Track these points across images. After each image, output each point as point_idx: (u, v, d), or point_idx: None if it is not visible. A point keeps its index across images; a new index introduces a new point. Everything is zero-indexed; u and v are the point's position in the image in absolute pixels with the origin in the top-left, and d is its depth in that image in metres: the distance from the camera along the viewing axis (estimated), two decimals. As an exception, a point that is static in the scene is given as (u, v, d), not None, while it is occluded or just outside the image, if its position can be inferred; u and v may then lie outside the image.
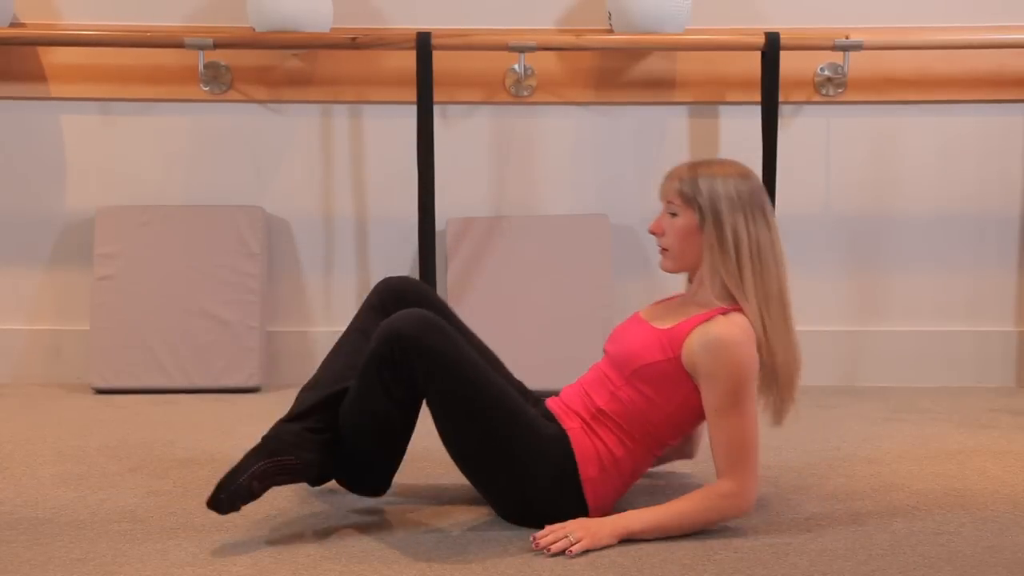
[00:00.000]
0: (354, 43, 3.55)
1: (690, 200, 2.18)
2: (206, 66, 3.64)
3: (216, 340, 3.58)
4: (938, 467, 2.67)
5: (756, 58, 3.56)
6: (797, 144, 3.71)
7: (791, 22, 3.64)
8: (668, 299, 2.38)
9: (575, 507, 2.17)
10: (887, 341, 3.76)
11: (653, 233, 2.24)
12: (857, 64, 3.64)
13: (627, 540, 2.10)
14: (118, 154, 3.73)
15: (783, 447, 2.85)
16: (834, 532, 2.19)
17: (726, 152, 3.74)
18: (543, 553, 2.04)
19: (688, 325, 2.15)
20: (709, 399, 2.13)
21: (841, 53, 3.60)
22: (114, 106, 3.71)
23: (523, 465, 2.13)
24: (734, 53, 3.63)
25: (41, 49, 3.66)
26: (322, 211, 3.76)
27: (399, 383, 2.09)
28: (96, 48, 3.63)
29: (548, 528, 2.09)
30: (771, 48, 3.51)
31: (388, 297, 2.38)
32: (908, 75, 3.69)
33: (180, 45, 3.52)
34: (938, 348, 3.74)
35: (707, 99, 3.72)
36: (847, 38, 3.53)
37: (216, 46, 3.53)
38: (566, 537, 2.06)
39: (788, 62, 3.56)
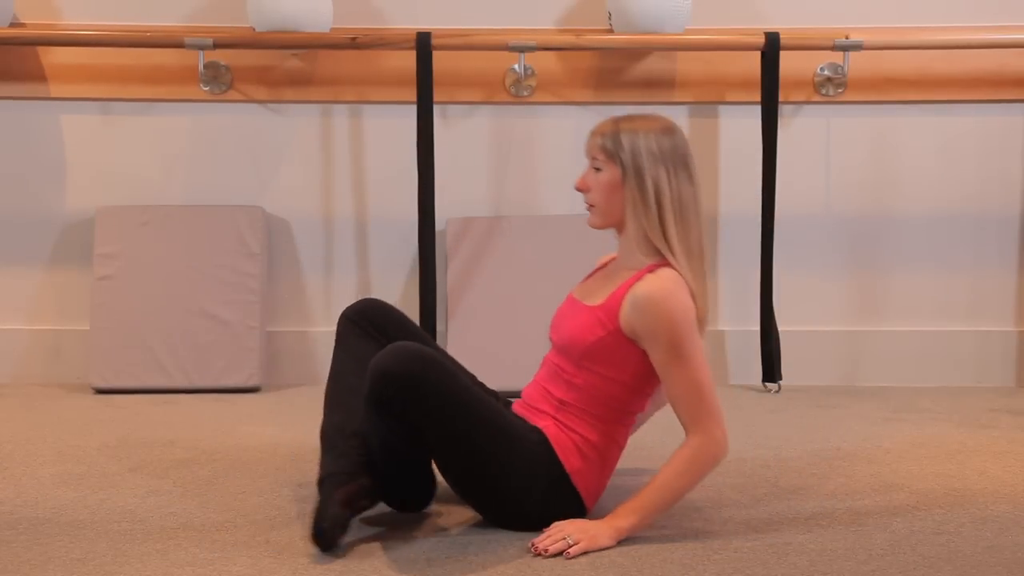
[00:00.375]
0: (354, 43, 3.55)
1: (612, 155, 2.17)
2: (206, 66, 3.64)
3: (216, 340, 3.58)
4: (938, 467, 2.67)
5: (756, 58, 3.56)
6: (797, 144, 3.71)
7: (791, 22, 3.64)
8: (600, 267, 2.37)
9: (570, 503, 2.18)
10: (887, 341, 3.76)
11: (579, 190, 2.23)
12: (857, 64, 3.64)
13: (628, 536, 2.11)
14: (118, 154, 3.73)
15: (783, 447, 2.85)
16: (834, 532, 2.19)
17: (727, 153, 3.74)
18: (542, 555, 2.03)
19: (620, 292, 2.16)
20: (656, 358, 2.13)
21: (841, 53, 3.60)
22: (114, 106, 3.71)
23: (517, 477, 2.13)
24: (734, 53, 3.63)
25: (41, 49, 3.66)
26: (322, 211, 3.76)
27: (399, 420, 2.09)
28: (96, 48, 3.63)
29: (547, 530, 2.09)
30: (771, 48, 3.51)
31: (368, 319, 2.41)
32: (908, 75, 3.69)
33: (180, 45, 3.52)
34: (938, 348, 3.74)
35: (707, 99, 3.72)
36: (847, 38, 3.53)
37: (216, 46, 3.53)
38: (564, 539, 2.06)
39: (788, 62, 3.56)
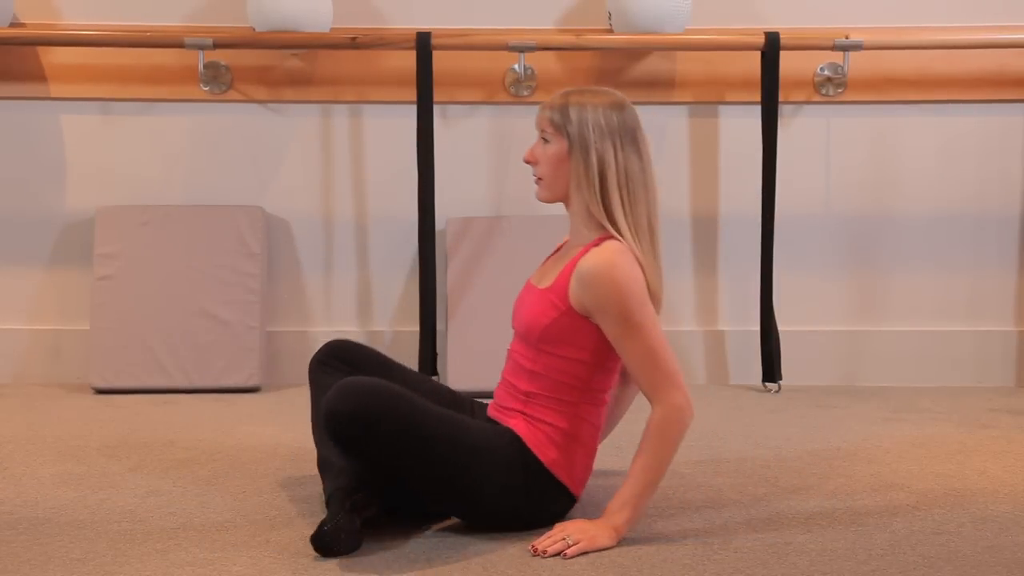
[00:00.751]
0: (354, 43, 3.55)
1: (560, 127, 2.16)
2: (206, 66, 3.64)
3: (216, 340, 3.58)
4: (938, 467, 2.67)
5: (756, 58, 3.56)
6: (797, 144, 3.71)
7: (791, 22, 3.64)
8: (554, 251, 2.37)
9: (557, 494, 2.17)
10: (887, 341, 3.76)
11: (527, 162, 2.22)
12: (857, 64, 3.64)
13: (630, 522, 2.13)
14: (118, 154, 3.73)
15: (783, 447, 2.86)
16: (834, 531, 2.19)
17: (727, 153, 3.74)
18: (541, 556, 2.03)
19: (567, 271, 2.15)
20: (608, 330, 2.11)
21: (841, 53, 3.60)
22: (114, 106, 3.71)
23: (493, 484, 2.12)
24: (734, 53, 3.64)
25: (41, 49, 3.66)
26: (322, 211, 3.76)
27: (360, 456, 2.07)
28: (96, 48, 3.63)
29: (548, 532, 2.09)
30: (771, 48, 3.51)
31: (335, 356, 2.40)
32: (908, 75, 3.69)
33: (180, 45, 3.53)
34: (938, 348, 3.74)
35: (707, 99, 3.72)
36: (847, 38, 3.53)
37: (216, 46, 3.53)
38: (563, 540, 2.06)
39: (788, 62, 3.56)
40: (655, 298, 2.15)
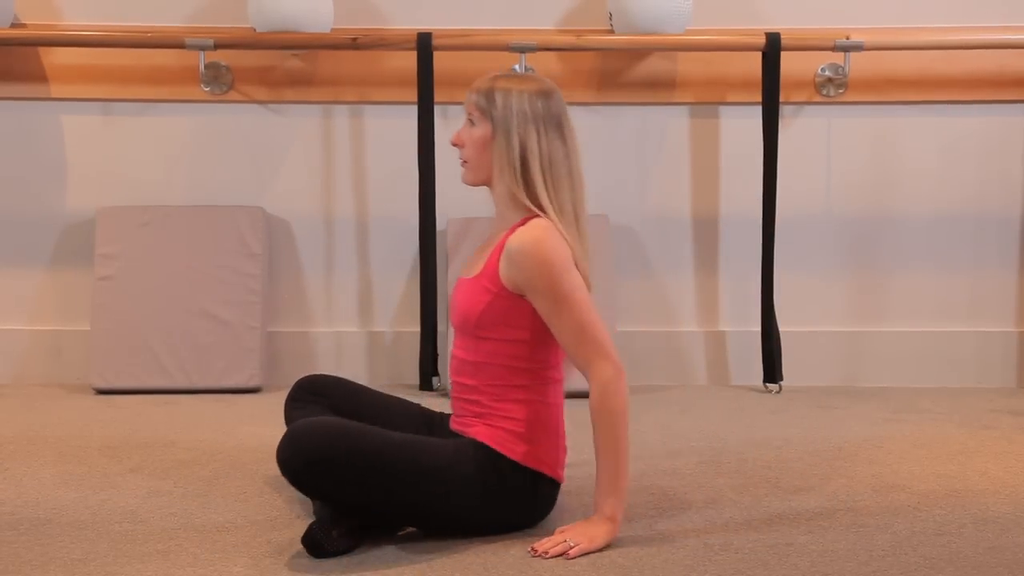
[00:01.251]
0: (355, 43, 3.55)
1: (485, 111, 2.18)
2: (207, 66, 3.64)
3: (217, 340, 3.58)
4: (939, 467, 2.67)
5: (757, 59, 3.56)
6: (798, 145, 3.71)
7: (792, 23, 3.64)
8: (482, 245, 2.36)
9: (539, 486, 2.17)
10: (888, 342, 3.76)
11: (454, 144, 2.24)
12: (858, 64, 3.64)
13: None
14: (119, 154, 3.73)
15: (784, 447, 2.85)
16: (835, 532, 2.19)
17: (727, 154, 3.74)
18: (542, 557, 2.03)
19: (495, 253, 2.17)
20: (539, 306, 2.11)
21: (842, 53, 3.60)
22: (115, 106, 3.71)
23: (471, 497, 2.10)
24: (735, 54, 3.63)
25: (42, 50, 3.66)
26: (323, 211, 3.76)
27: (326, 498, 2.06)
28: (97, 49, 3.63)
29: (549, 537, 2.09)
30: (772, 49, 3.51)
31: (306, 391, 2.43)
32: (909, 75, 3.69)
33: (181, 46, 3.53)
34: (939, 349, 3.74)
35: (708, 100, 3.72)
36: (848, 39, 3.53)
37: (217, 46, 3.53)
38: (564, 542, 2.06)
39: (789, 63, 3.56)
40: (583, 278, 2.16)
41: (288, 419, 2.39)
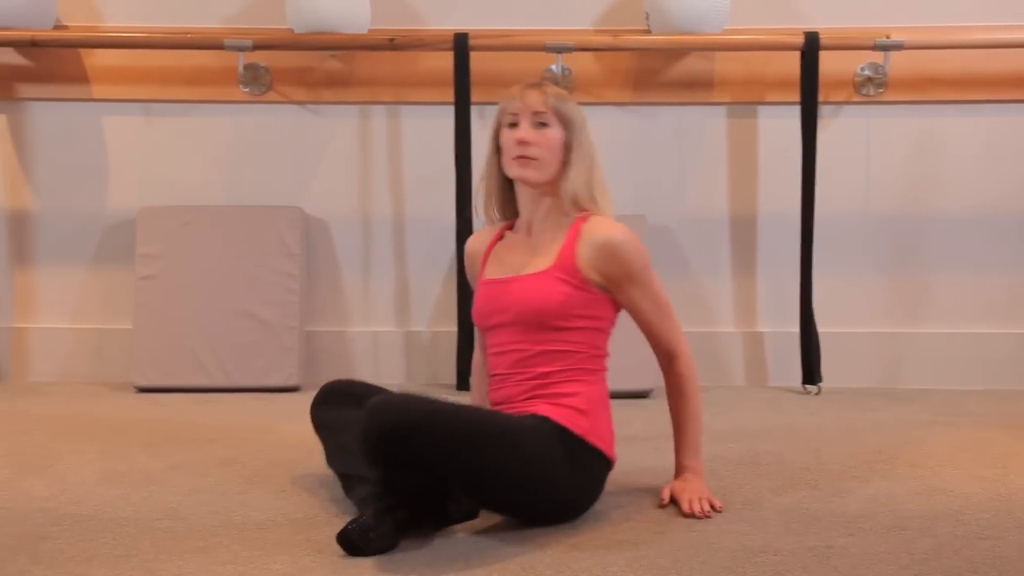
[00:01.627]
0: (392, 44, 3.57)
1: (561, 114, 2.24)
2: (246, 67, 3.67)
3: (256, 340, 3.60)
4: (982, 471, 2.64)
5: (795, 58, 3.54)
6: (837, 144, 3.68)
7: (831, 22, 3.62)
8: (496, 246, 2.35)
9: (598, 463, 2.22)
10: (929, 343, 3.72)
11: (524, 142, 2.22)
12: (898, 64, 3.61)
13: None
14: (159, 155, 3.76)
15: (823, 449, 2.83)
16: (876, 535, 2.17)
17: (765, 154, 3.72)
18: (701, 516, 2.22)
19: (569, 248, 2.21)
20: (631, 294, 2.23)
21: (882, 53, 3.57)
22: (155, 107, 3.75)
23: (545, 464, 2.12)
24: (773, 53, 3.62)
25: (84, 51, 3.70)
26: (360, 212, 3.77)
27: (408, 469, 2.05)
28: (138, 50, 3.67)
29: (686, 499, 2.24)
30: (810, 48, 3.49)
31: (331, 396, 2.44)
32: (950, 74, 3.65)
33: (220, 47, 3.56)
34: (981, 350, 3.70)
35: (746, 99, 3.71)
36: (888, 37, 3.50)
37: (256, 47, 3.56)
38: (700, 499, 2.25)
39: (828, 62, 3.53)
40: None
41: (319, 421, 2.41)
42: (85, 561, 2.00)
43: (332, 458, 2.37)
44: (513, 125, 2.25)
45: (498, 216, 2.35)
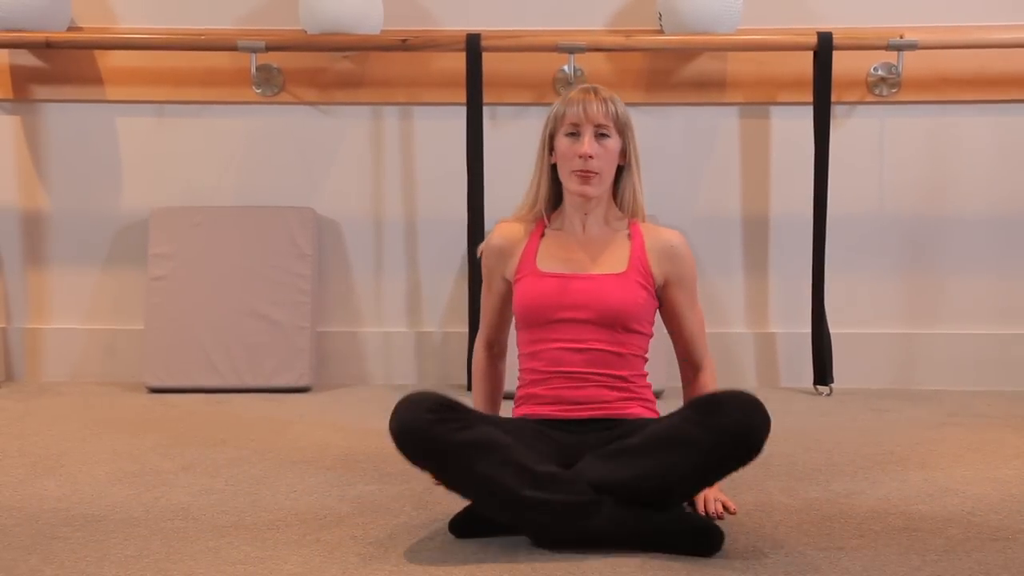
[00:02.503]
0: (404, 45, 3.57)
1: (621, 123, 2.25)
2: (258, 68, 3.68)
3: (267, 340, 3.61)
4: (994, 472, 2.63)
5: (808, 58, 3.53)
6: (850, 145, 3.67)
7: (844, 22, 3.61)
8: (543, 240, 2.28)
9: None
10: (942, 344, 3.71)
11: (589, 156, 2.19)
12: (912, 63, 3.59)
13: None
14: (172, 155, 3.78)
15: (835, 450, 2.82)
16: (887, 537, 2.16)
17: (778, 154, 3.71)
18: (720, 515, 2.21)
19: (639, 253, 2.25)
20: (682, 299, 2.28)
21: (895, 53, 3.56)
22: (168, 108, 3.76)
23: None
24: (786, 53, 3.60)
25: (98, 52, 3.71)
26: (372, 212, 3.78)
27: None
28: (151, 51, 3.68)
29: (702, 502, 2.23)
30: (823, 48, 3.48)
31: (444, 407, 2.09)
32: (965, 74, 3.64)
33: (233, 48, 3.56)
34: (994, 351, 3.68)
35: (758, 100, 3.70)
36: (901, 37, 3.49)
37: (268, 48, 3.56)
38: (716, 499, 2.24)
39: (841, 62, 3.52)
40: None
41: (455, 440, 2.04)
42: (96, 561, 2.01)
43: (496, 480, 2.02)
44: (573, 135, 2.22)
45: (547, 214, 2.31)
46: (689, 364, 2.34)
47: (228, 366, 3.60)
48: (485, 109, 3.54)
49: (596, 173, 2.22)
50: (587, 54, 3.55)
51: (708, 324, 3.71)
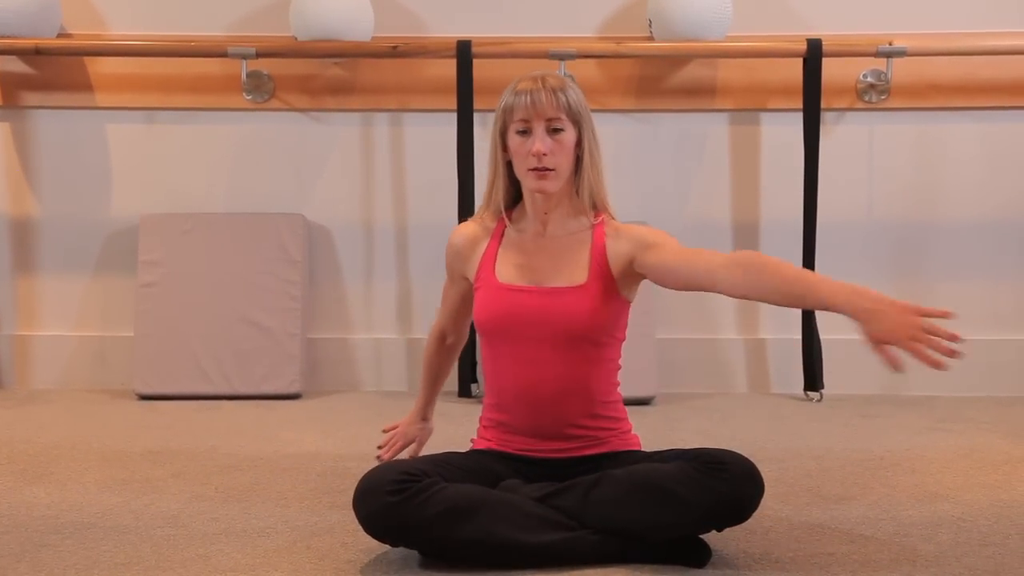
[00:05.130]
0: (395, 51, 3.57)
1: (574, 114, 2.11)
2: (249, 75, 3.68)
3: (257, 347, 3.61)
4: (984, 477, 2.64)
5: (798, 65, 3.54)
6: (839, 151, 3.68)
7: (833, 28, 3.62)
8: (501, 244, 2.19)
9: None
10: (931, 350, 3.71)
11: (543, 154, 2.07)
12: (901, 70, 3.61)
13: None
14: (162, 162, 3.77)
15: (825, 456, 2.83)
16: (877, 543, 2.16)
17: (768, 160, 3.72)
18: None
19: (599, 257, 2.12)
20: (660, 257, 2.08)
21: (884, 59, 3.57)
22: (158, 115, 3.76)
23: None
24: (775, 60, 3.61)
25: (88, 59, 3.71)
26: (363, 219, 3.78)
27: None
28: (141, 58, 3.68)
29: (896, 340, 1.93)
30: (813, 55, 3.49)
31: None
32: (953, 81, 3.65)
33: (223, 54, 3.56)
34: (984, 357, 3.69)
35: (748, 106, 3.71)
36: (890, 44, 3.50)
37: (259, 55, 3.56)
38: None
39: (830, 68, 3.53)
40: None
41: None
42: (86, 569, 2.00)
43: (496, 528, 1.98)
44: (524, 132, 2.10)
45: (506, 212, 2.19)
46: (726, 271, 1.97)
47: (218, 373, 3.59)
48: (476, 116, 3.54)
49: (552, 169, 2.09)
50: (578, 61, 3.55)
51: (699, 330, 3.75)
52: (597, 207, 2.17)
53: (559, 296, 2.11)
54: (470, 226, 2.24)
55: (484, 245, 2.20)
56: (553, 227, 2.17)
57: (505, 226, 2.20)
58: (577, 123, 2.12)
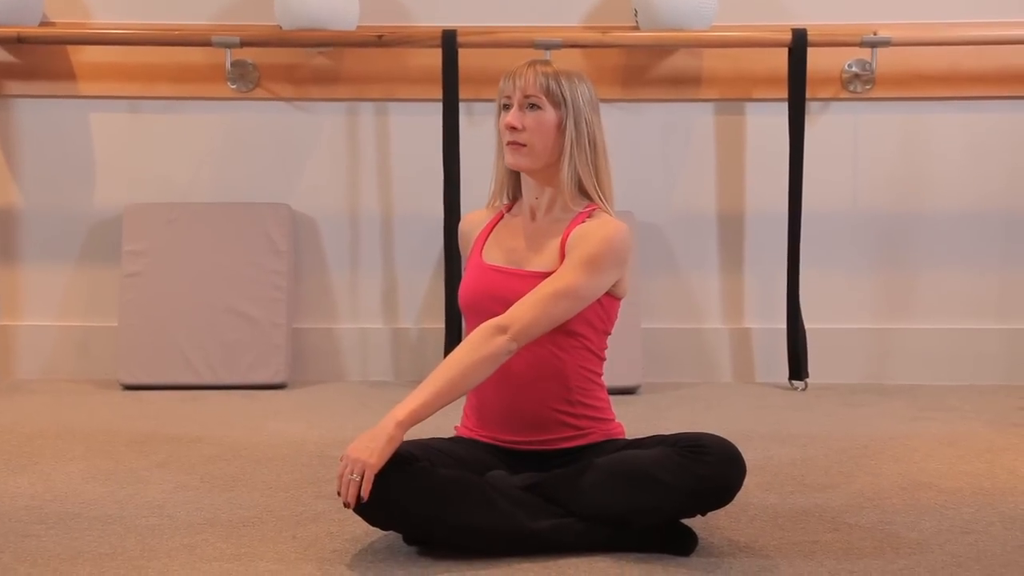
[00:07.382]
0: (380, 41, 3.56)
1: (555, 96, 2.11)
2: (233, 64, 3.66)
3: (243, 337, 3.60)
4: (967, 465, 2.65)
5: (783, 55, 3.55)
6: (824, 141, 3.69)
7: (818, 18, 3.62)
8: (496, 227, 2.22)
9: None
10: (915, 339, 3.73)
11: (512, 127, 2.10)
12: (885, 60, 3.61)
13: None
14: (146, 152, 3.75)
15: (810, 445, 2.84)
16: (861, 531, 2.18)
17: (753, 150, 3.72)
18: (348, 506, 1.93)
19: (563, 246, 2.11)
20: (566, 262, 2.07)
21: (869, 49, 3.58)
22: (142, 104, 3.74)
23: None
24: (761, 50, 3.62)
25: (71, 48, 3.69)
26: (348, 208, 3.77)
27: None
28: (125, 47, 3.66)
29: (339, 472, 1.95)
30: (798, 44, 3.49)
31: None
32: (937, 71, 3.66)
33: (208, 43, 3.55)
34: (967, 346, 3.71)
35: (733, 96, 3.71)
36: (875, 34, 3.51)
37: (243, 44, 3.55)
38: (350, 478, 1.92)
39: (815, 58, 3.54)
40: (624, 284, 2.15)
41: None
42: (70, 559, 2.00)
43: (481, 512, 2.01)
44: (507, 107, 2.13)
45: (508, 198, 2.24)
46: (493, 320, 2.02)
47: (203, 363, 3.58)
48: (461, 105, 3.54)
49: (524, 144, 2.10)
50: (563, 50, 3.55)
51: (684, 320, 3.76)
52: (591, 197, 2.16)
53: (531, 280, 2.11)
54: (479, 212, 2.29)
55: (484, 228, 2.24)
56: (542, 212, 2.18)
57: (504, 213, 2.24)
58: (559, 107, 2.12)
